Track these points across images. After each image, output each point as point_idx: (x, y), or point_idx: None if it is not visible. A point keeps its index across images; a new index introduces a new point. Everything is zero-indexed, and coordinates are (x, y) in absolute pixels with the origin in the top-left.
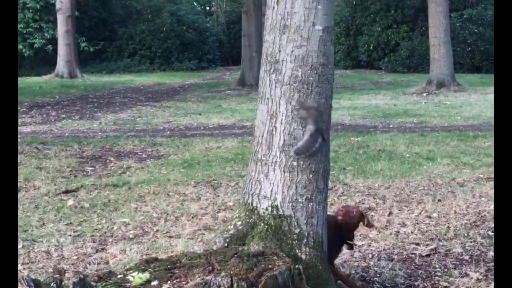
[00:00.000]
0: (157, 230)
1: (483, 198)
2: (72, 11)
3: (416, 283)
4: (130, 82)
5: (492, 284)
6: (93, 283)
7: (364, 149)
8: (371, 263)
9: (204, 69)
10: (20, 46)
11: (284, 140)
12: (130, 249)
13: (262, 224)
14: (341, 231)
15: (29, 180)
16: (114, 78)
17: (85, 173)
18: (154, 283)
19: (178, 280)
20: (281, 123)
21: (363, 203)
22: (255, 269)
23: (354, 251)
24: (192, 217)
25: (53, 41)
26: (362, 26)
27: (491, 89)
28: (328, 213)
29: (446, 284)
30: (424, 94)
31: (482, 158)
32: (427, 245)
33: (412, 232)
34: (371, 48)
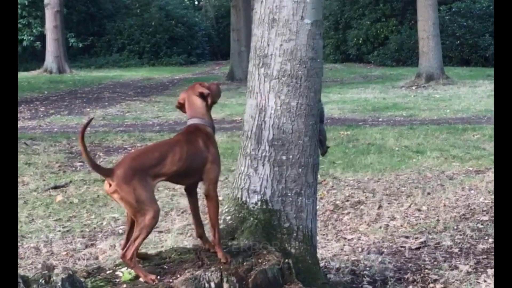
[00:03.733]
0: None
1: (472, 191)
2: (60, 6)
3: (406, 276)
4: (119, 77)
5: (482, 275)
6: (82, 279)
7: (353, 143)
8: (361, 256)
9: (193, 64)
10: None
11: (274, 135)
12: (120, 245)
13: (252, 219)
14: None
15: (18, 176)
16: (103, 73)
17: (74, 168)
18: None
19: (167, 275)
20: (270, 117)
21: (352, 197)
22: (245, 264)
23: (344, 245)
24: (182, 212)
25: (42, 37)
26: (351, 20)
27: (480, 82)
28: None
29: (435, 277)
30: (413, 88)
31: (472, 151)
32: (417, 238)
33: (401, 226)
34: (360, 42)
